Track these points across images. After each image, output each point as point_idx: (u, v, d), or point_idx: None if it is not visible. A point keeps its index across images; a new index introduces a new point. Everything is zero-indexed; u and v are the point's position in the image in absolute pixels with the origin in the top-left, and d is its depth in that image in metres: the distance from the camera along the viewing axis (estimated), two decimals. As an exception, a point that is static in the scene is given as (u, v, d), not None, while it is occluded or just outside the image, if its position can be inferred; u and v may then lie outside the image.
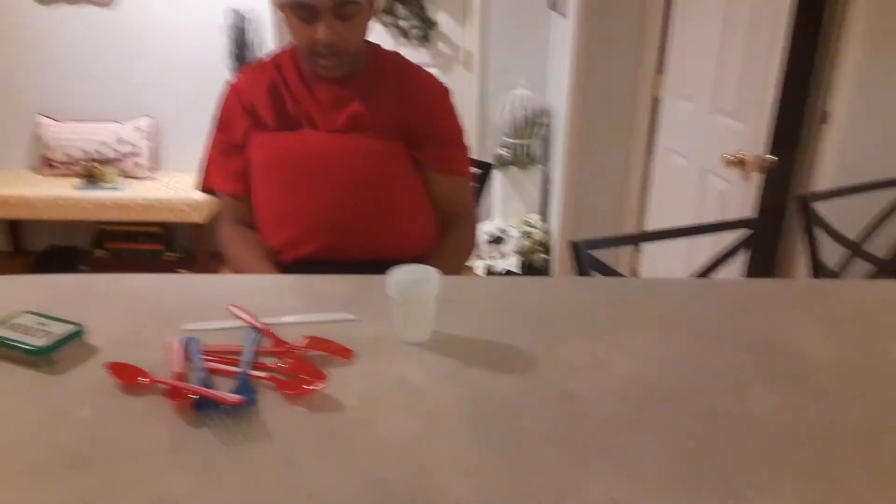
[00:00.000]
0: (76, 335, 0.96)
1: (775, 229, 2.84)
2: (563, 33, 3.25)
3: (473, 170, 1.70)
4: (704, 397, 0.89)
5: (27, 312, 0.99)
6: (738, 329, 1.08)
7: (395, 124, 1.44)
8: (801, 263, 2.94)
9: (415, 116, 1.46)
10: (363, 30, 1.40)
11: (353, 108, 1.43)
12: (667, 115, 2.80)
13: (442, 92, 1.52)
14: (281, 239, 1.45)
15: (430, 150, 1.50)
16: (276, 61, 1.48)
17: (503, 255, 3.61)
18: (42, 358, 0.91)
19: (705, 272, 1.54)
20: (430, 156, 1.50)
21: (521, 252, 3.56)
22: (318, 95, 1.44)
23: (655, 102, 2.96)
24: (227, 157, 1.50)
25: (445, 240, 1.56)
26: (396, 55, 1.53)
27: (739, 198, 2.18)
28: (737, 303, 1.18)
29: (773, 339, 1.05)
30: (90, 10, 3.47)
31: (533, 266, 3.55)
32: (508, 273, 3.50)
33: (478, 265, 3.63)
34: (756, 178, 2.11)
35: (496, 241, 3.65)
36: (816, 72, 2.87)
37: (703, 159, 2.43)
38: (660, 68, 2.91)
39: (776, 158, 2.08)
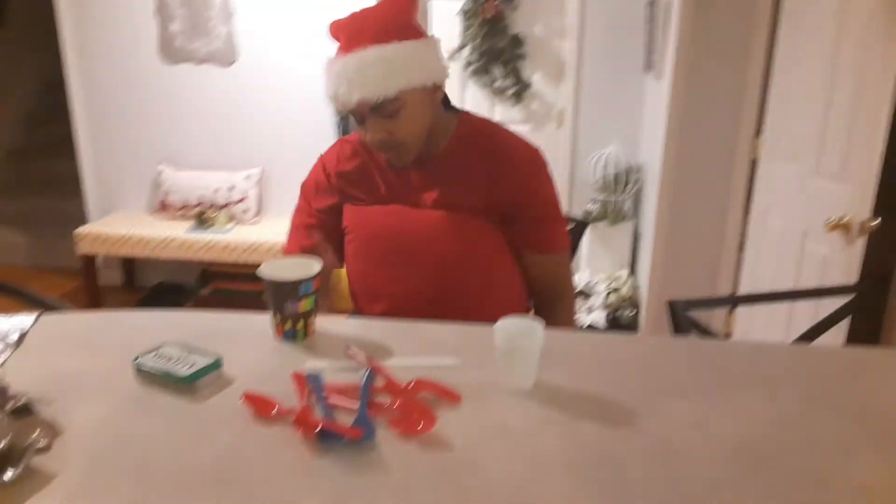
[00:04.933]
0: (216, 366, 1.06)
1: (881, 296, 2.73)
2: (657, 94, 3.29)
3: (569, 225, 1.67)
4: (809, 462, 0.89)
5: (172, 344, 1.11)
6: (843, 396, 1.07)
7: (486, 204, 1.41)
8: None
9: (507, 195, 1.42)
10: (417, 118, 1.36)
11: (438, 192, 1.43)
12: (764, 177, 2.78)
13: (535, 163, 1.46)
14: (375, 311, 1.49)
15: (527, 230, 1.45)
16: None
17: (590, 310, 3.61)
18: (186, 386, 1.02)
19: (807, 337, 1.52)
20: (526, 237, 1.46)
21: (608, 307, 3.55)
22: (406, 178, 1.46)
23: (753, 163, 2.94)
24: (299, 231, 1.55)
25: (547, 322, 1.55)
26: (485, 124, 1.49)
27: (842, 263, 2.13)
28: (842, 370, 1.17)
29: (880, 408, 1.03)
30: (211, 69, 3.79)
31: (619, 322, 3.53)
32: (590, 328, 3.49)
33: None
34: (860, 244, 2.06)
35: (583, 295, 3.65)
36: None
37: (804, 222, 2.39)
38: (758, 129, 2.89)
39: (879, 220, 2.03)
